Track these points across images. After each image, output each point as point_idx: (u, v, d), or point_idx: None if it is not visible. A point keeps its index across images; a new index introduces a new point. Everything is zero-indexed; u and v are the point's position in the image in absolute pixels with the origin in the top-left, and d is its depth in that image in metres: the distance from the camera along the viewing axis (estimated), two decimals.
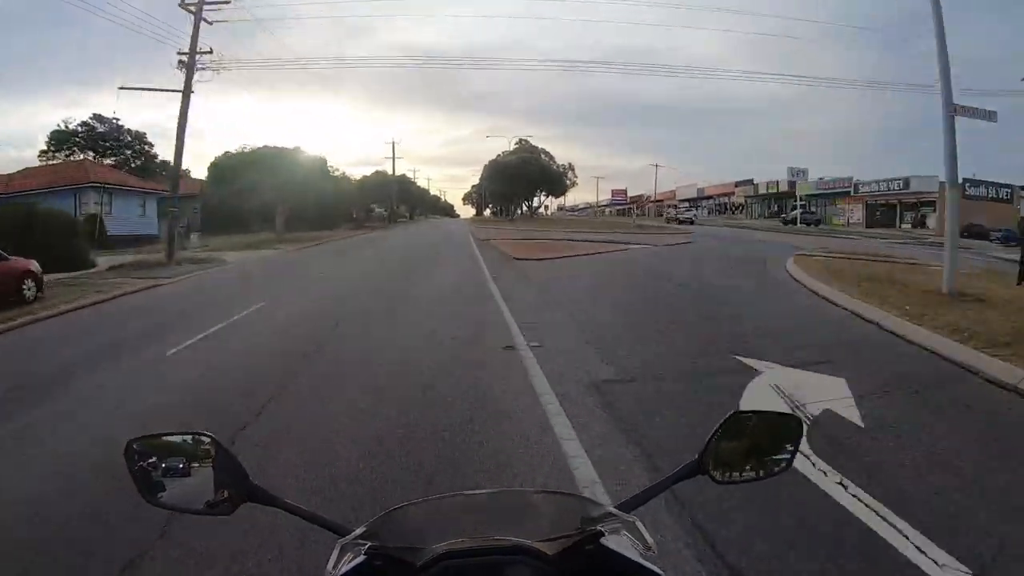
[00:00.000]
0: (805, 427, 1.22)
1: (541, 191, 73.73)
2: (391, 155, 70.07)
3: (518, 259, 18.57)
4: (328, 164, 44.01)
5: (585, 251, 21.24)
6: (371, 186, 61.47)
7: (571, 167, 72.33)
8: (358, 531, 0.89)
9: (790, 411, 1.95)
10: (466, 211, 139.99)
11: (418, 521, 1.01)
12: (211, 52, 19.97)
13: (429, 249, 24.72)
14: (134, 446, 1.02)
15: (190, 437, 1.03)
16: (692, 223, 49.60)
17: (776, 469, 1.08)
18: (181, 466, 1.02)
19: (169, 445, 1.03)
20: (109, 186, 30.26)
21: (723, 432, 1.05)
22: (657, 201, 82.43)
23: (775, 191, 59.06)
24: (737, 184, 68.08)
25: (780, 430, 1.12)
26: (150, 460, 1.02)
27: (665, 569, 0.84)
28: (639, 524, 0.90)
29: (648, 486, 1.09)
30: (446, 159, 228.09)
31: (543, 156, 69.65)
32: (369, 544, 0.83)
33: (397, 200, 76.40)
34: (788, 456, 1.08)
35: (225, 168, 32.05)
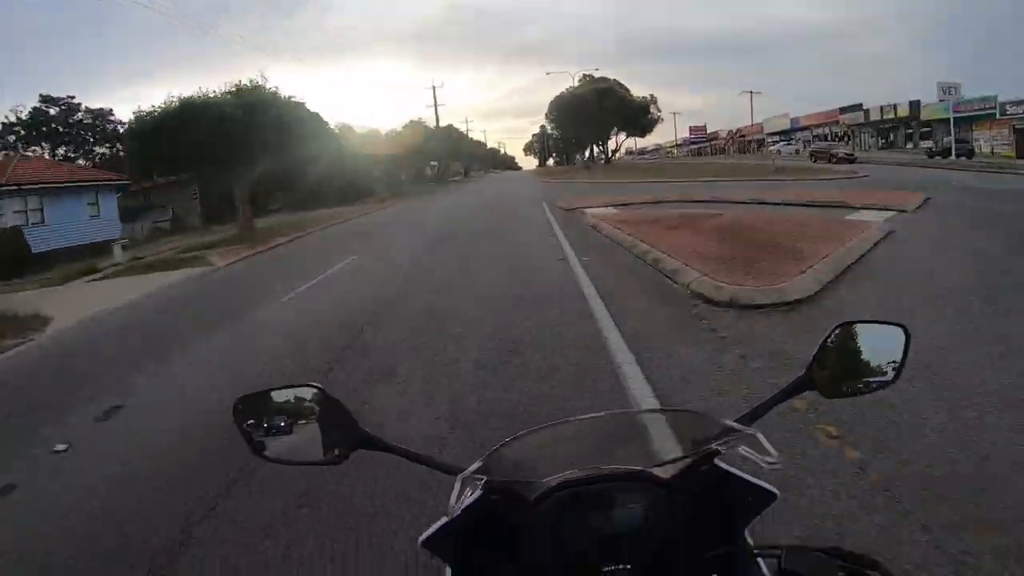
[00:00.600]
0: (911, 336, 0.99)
1: (616, 131, 60.67)
2: (433, 103, 58.94)
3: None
4: (335, 124, 34.06)
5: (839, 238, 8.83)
6: (409, 143, 50.22)
7: (653, 100, 58.66)
8: (475, 465, 0.86)
9: (896, 322, 1.04)
10: (528, 163, 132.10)
11: (533, 451, 0.98)
12: None
13: (457, 259, 11.18)
14: (240, 405, 1.01)
15: (297, 390, 1.01)
16: (852, 160, 35.67)
17: (884, 380, 1.03)
18: (289, 419, 1.00)
19: (276, 399, 1.01)
20: (38, 187, 22.58)
21: (830, 345, 1.02)
22: (740, 136, 72.78)
23: (893, 116, 48.37)
24: (843, 110, 55.63)
25: (886, 340, 1.05)
26: (259, 416, 1.00)
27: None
28: (760, 436, 0.83)
29: (760, 403, 1.00)
30: (503, 112, 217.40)
31: (618, 87, 56.33)
32: (486, 479, 0.82)
33: (447, 156, 65.69)
34: (895, 366, 1.03)
35: (150, 129, 20.72)
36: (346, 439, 0.98)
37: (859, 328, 1.06)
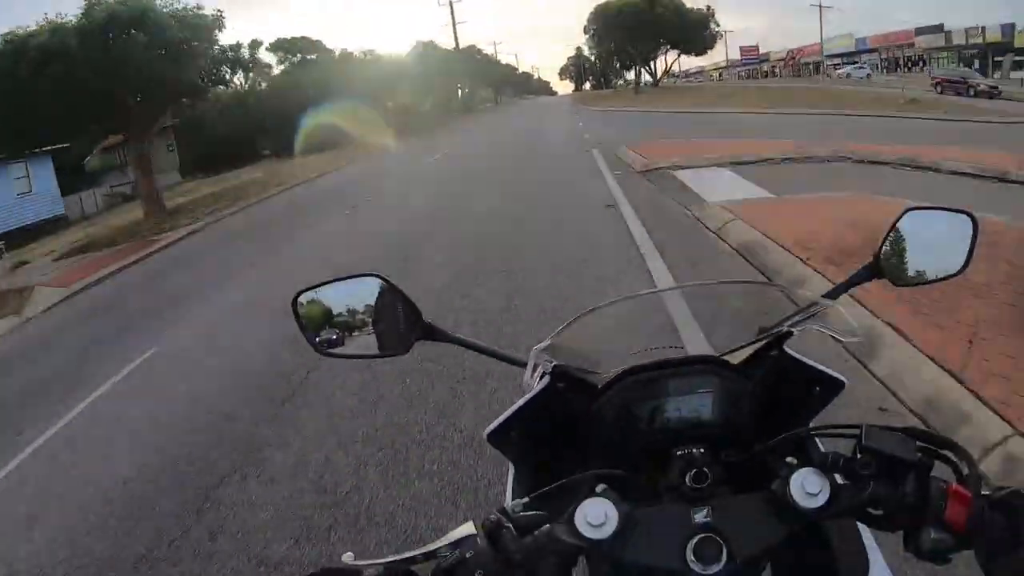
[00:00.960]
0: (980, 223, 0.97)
1: (667, 48, 50.85)
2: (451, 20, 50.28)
3: None
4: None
5: None
6: (418, 70, 41.53)
7: (711, 12, 48.54)
8: (545, 343, 0.84)
9: (963, 210, 0.99)
10: (564, 88, 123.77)
11: (601, 332, 0.98)
12: None
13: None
14: (300, 298, 0.96)
15: (358, 279, 0.96)
16: (996, 95, 25.77)
17: (954, 269, 0.98)
18: (351, 310, 0.97)
19: (337, 292, 0.97)
20: None
21: (897, 231, 0.98)
22: (789, 59, 64.72)
23: (980, 41, 42.58)
24: (919, 31, 48.39)
25: (954, 226, 1.00)
26: (320, 309, 0.97)
27: None
28: (841, 309, 0.84)
29: (834, 286, 0.98)
30: (538, 33, 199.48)
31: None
32: (554, 363, 0.81)
33: (470, 82, 57.04)
34: (965, 254, 0.98)
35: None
36: (408, 329, 0.95)
37: (926, 214, 1.01)
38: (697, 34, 46.67)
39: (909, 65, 49.40)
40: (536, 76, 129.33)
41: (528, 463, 0.84)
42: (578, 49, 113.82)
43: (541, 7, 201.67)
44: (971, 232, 0.99)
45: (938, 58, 45.72)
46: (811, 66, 58.90)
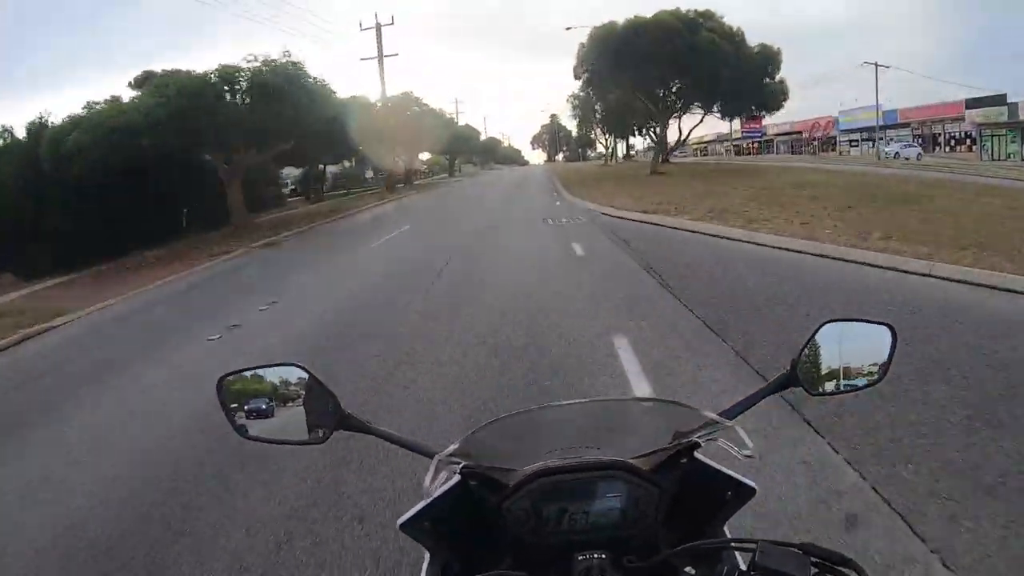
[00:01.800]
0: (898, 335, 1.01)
1: (695, 105, 33.68)
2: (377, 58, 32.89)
3: None
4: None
5: None
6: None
7: (778, 52, 31.42)
8: (452, 448, 0.87)
9: (883, 321, 1.05)
10: (536, 158, 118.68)
11: (511, 436, 1.00)
12: None
13: None
14: (225, 381, 1.01)
15: (281, 368, 1.01)
16: None
17: (870, 379, 1.03)
18: (273, 399, 1.01)
19: (261, 379, 1.02)
20: None
21: (815, 342, 1.02)
22: (795, 133, 55.74)
23: None
24: (971, 103, 38.63)
25: (872, 338, 1.05)
26: (242, 394, 1.01)
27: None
28: (739, 429, 0.84)
29: (743, 398, 1.03)
30: (508, 99, 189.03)
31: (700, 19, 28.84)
32: (463, 464, 0.81)
33: (411, 143, 38.48)
34: (883, 365, 1.03)
35: None
36: (328, 419, 0.98)
37: (845, 326, 1.04)
38: (762, 84, 28.76)
39: (952, 143, 41.60)
40: (507, 143, 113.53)
41: (442, 553, 0.85)
42: (553, 117, 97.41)
43: (514, 74, 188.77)
44: (889, 343, 1.03)
45: (994, 135, 37.08)
46: (815, 141, 52.69)
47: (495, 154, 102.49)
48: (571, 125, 62.24)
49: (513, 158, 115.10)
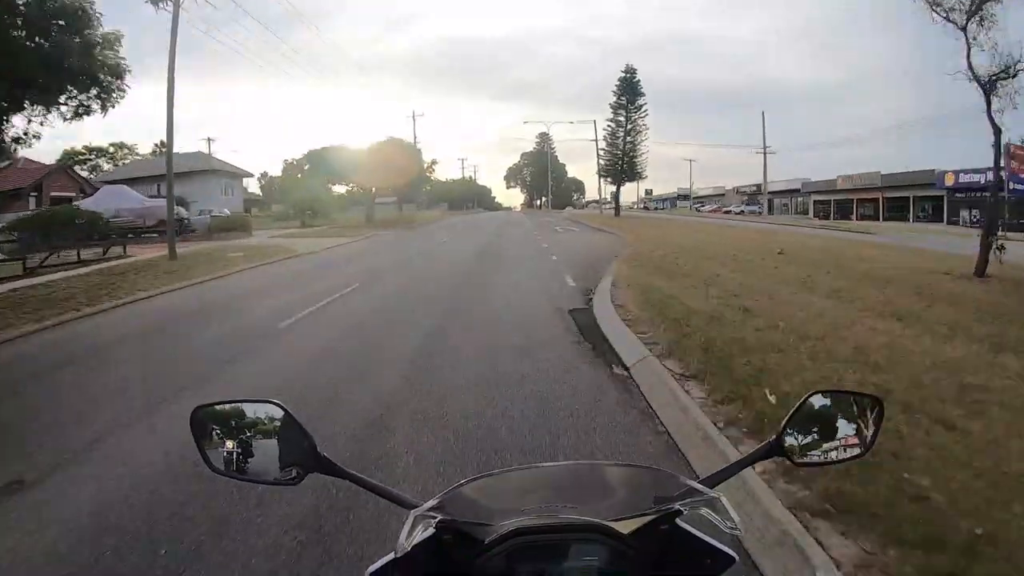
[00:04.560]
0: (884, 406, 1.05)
1: None
2: None
3: None
4: None
5: None
6: None
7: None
8: (431, 503, 0.87)
9: (870, 393, 1.11)
10: (514, 198, 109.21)
11: (490, 494, 0.99)
12: None
13: None
14: (199, 414, 1.01)
15: (258, 405, 0.99)
16: None
17: (855, 450, 1.03)
18: (248, 435, 0.99)
19: (236, 413, 1.00)
20: None
21: (801, 412, 1.02)
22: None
23: None
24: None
25: (859, 410, 1.05)
26: (217, 428, 1.00)
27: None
28: (723, 500, 0.83)
29: (729, 464, 1.05)
30: (488, 148, 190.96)
31: None
32: (439, 518, 0.81)
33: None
34: (868, 436, 1.04)
35: None
36: (302, 460, 0.98)
37: (832, 396, 1.07)
38: None
39: None
40: (471, 175, 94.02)
41: None
42: (542, 136, 77.68)
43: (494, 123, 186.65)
44: (876, 414, 1.04)
45: None
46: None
47: (463, 195, 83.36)
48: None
49: (485, 202, 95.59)
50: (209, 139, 66.43)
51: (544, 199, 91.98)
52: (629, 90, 48.36)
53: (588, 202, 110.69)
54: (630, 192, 72.51)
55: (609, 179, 51.23)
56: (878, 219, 44.53)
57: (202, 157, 43.25)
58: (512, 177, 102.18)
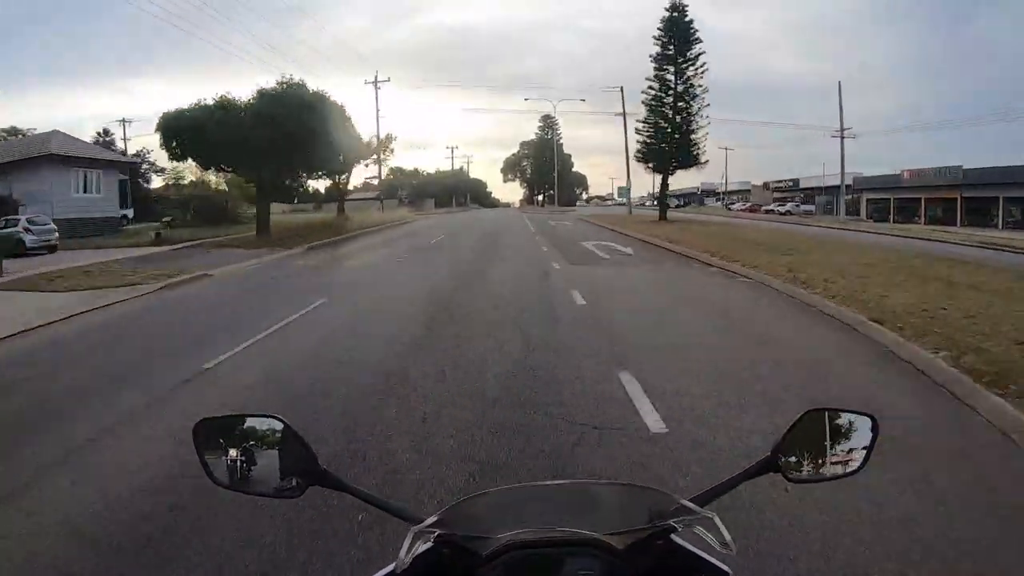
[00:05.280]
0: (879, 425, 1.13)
1: None
2: None
3: None
4: None
5: None
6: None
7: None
8: (431, 519, 0.89)
9: (865, 412, 1.14)
10: (512, 193, 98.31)
11: (489, 510, 1.01)
12: None
13: None
14: (202, 427, 1.05)
15: (260, 419, 1.04)
16: None
17: (850, 468, 1.07)
18: (249, 448, 1.03)
19: (238, 426, 1.05)
20: None
21: (797, 429, 1.06)
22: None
23: None
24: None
25: (854, 428, 1.10)
26: (219, 441, 1.04)
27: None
28: (716, 520, 0.85)
29: (721, 482, 1.07)
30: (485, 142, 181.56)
31: None
32: (439, 532, 0.84)
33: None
34: (863, 455, 1.07)
35: None
36: (303, 473, 1.00)
37: (827, 414, 1.09)
38: None
39: None
40: (463, 167, 79.46)
41: None
42: (545, 121, 66.00)
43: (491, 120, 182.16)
44: (872, 432, 1.07)
45: None
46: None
47: (452, 189, 69.62)
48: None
49: (480, 197, 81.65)
50: (124, 120, 49.41)
51: (545, 194, 78.59)
52: (679, 34, 33.64)
53: (590, 198, 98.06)
54: (640, 185, 60.19)
55: (650, 165, 35.81)
56: (954, 223, 37.40)
57: (48, 139, 27.46)
58: (510, 169, 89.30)
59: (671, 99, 34.03)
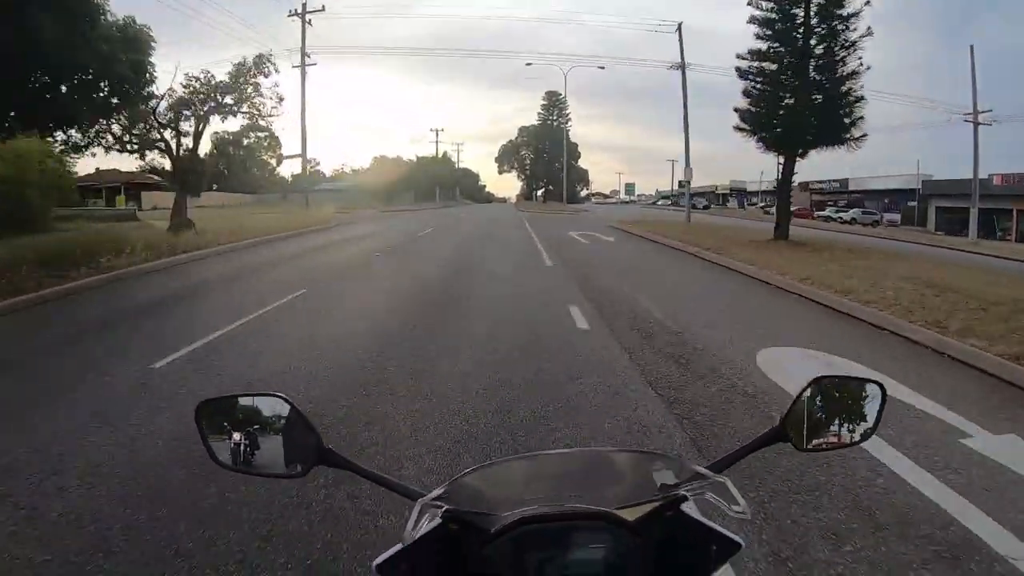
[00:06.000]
0: (887, 392, 1.05)
1: None
2: None
3: None
4: None
5: None
6: None
7: None
8: (436, 492, 0.87)
9: (872, 379, 1.09)
10: (508, 186, 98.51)
11: (495, 483, 1.00)
12: None
13: None
14: (204, 408, 1.00)
15: (263, 398, 0.99)
16: None
17: (858, 436, 1.06)
18: (253, 428, 0.98)
19: (241, 407, 0.99)
20: None
21: (805, 398, 1.04)
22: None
23: None
24: None
25: (862, 395, 1.08)
26: (222, 421, 0.99)
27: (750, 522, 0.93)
28: (729, 484, 0.85)
29: (734, 450, 1.04)
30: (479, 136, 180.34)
31: None
32: (445, 508, 0.82)
33: None
34: (872, 422, 1.06)
35: None
36: (308, 453, 0.97)
37: (834, 382, 1.08)
38: None
39: None
40: (453, 155, 68.55)
41: None
42: (550, 98, 58.50)
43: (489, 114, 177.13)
44: (879, 400, 1.05)
45: None
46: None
47: (441, 180, 59.04)
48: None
49: (472, 192, 70.93)
50: None
51: (545, 189, 67.84)
52: None
53: (589, 195, 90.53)
54: (645, 184, 55.47)
55: (762, 138, 18.92)
56: None
57: None
58: (505, 159, 77.16)
59: (800, 31, 18.16)
